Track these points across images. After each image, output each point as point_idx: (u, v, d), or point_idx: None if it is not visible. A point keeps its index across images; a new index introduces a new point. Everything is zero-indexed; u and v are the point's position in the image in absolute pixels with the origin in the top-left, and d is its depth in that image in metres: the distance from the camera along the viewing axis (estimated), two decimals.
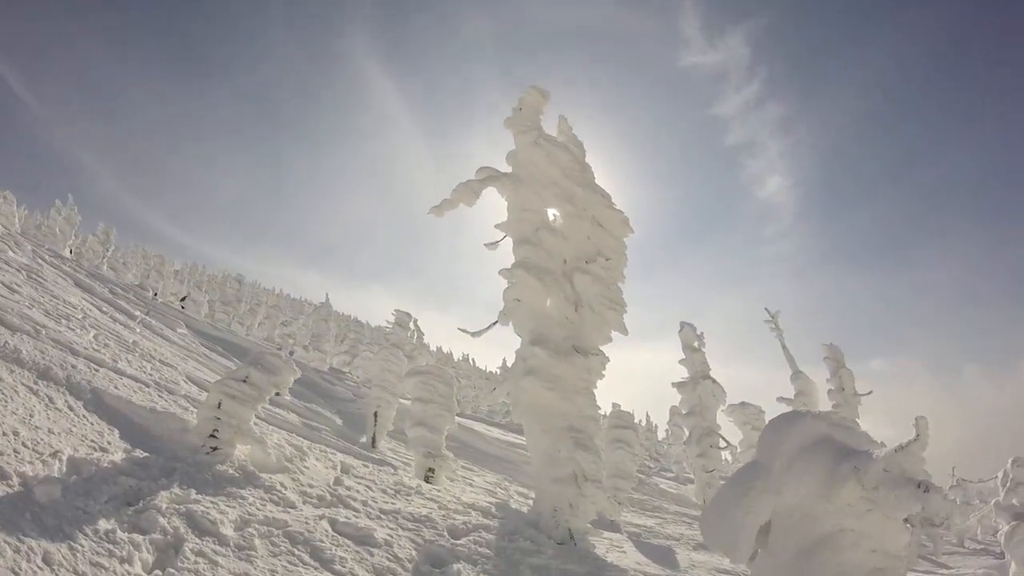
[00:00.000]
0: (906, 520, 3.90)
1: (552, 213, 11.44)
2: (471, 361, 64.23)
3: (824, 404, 21.91)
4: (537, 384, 9.72)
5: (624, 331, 11.03)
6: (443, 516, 7.61)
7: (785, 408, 19.88)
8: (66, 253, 28.54)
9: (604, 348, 10.87)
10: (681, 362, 21.37)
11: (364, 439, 14.40)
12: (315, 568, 5.84)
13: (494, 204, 11.39)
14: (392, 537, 6.73)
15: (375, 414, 15.05)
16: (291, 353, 29.22)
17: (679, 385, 20.89)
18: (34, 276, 16.00)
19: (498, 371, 53.66)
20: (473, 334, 10.85)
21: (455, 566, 6.44)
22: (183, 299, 32.60)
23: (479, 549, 6.92)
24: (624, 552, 10.16)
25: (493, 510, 8.33)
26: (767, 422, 4.82)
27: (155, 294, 25.17)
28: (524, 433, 10.45)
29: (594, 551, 9.04)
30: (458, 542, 7.01)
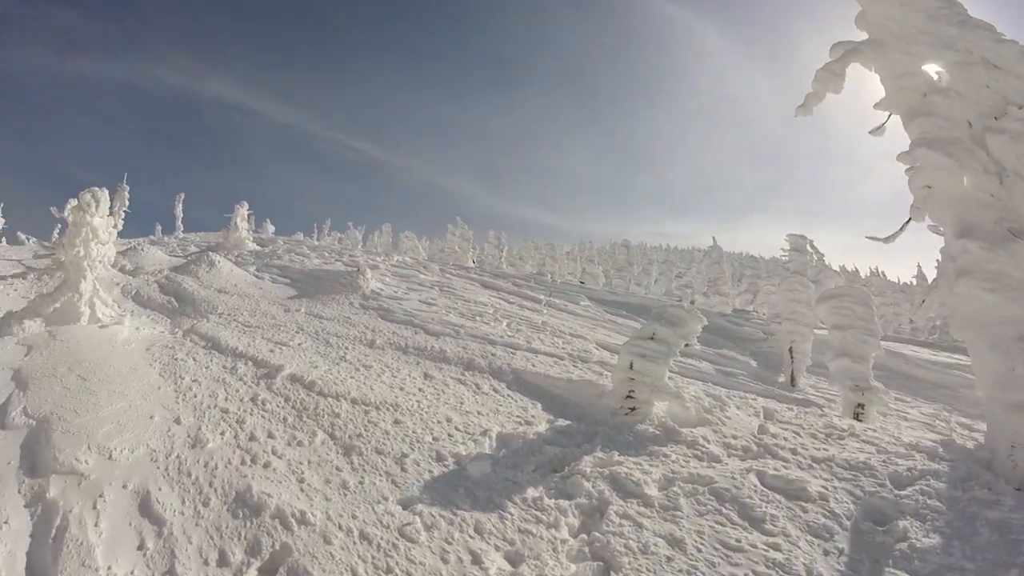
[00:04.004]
0: None
1: (934, 70, 9.11)
2: (881, 275, 55.64)
3: None
4: (974, 286, 7.65)
5: None
6: (883, 462, 6.31)
7: None
8: (469, 263, 33.02)
9: None
10: None
11: (782, 379, 13.34)
12: (744, 528, 5.27)
13: (855, 84, 9.49)
14: (827, 489, 5.78)
15: (790, 350, 13.83)
16: (692, 302, 29.15)
17: None
18: (446, 289, 18.81)
19: (913, 281, 46.01)
20: (884, 240, 9.14)
21: (900, 523, 5.18)
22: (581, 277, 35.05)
23: (927, 501, 5.51)
24: None
25: (940, 451, 6.67)
26: None
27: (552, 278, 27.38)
28: (966, 350, 8.33)
29: None
30: (902, 493, 5.68)
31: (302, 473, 6.27)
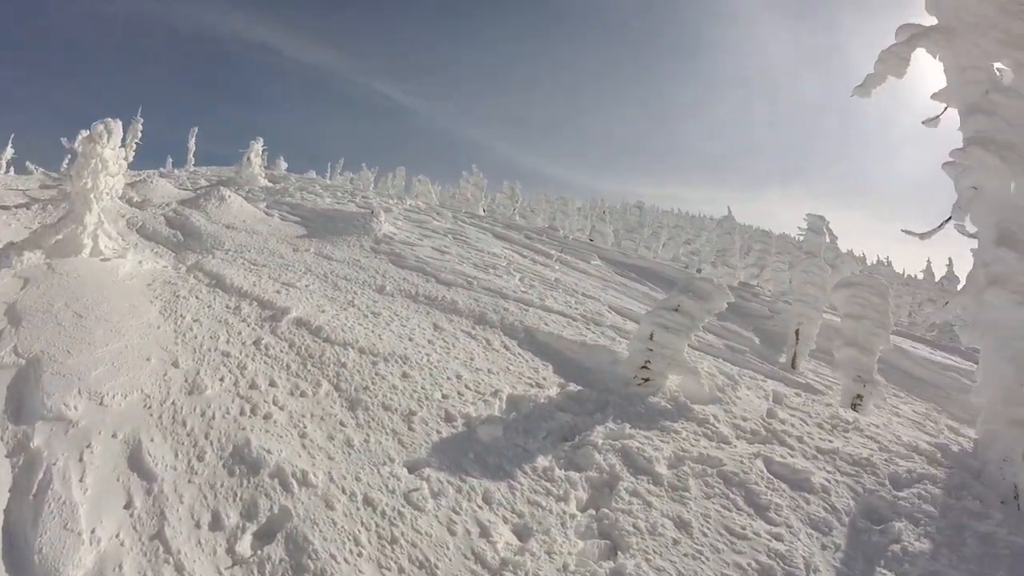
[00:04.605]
0: None
1: (998, 68, 8.63)
2: (888, 264, 54.79)
3: None
4: (1004, 297, 7.44)
5: None
6: (885, 460, 6.24)
7: None
8: (481, 212, 32.71)
9: None
10: None
11: (783, 359, 13.19)
12: (748, 515, 5.19)
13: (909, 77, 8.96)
14: (830, 483, 5.74)
15: (796, 332, 13.68)
16: (698, 271, 28.87)
17: None
18: (459, 237, 18.54)
19: (920, 275, 45.45)
20: (921, 236, 8.83)
21: (896, 525, 5.20)
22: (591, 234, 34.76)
23: (922, 505, 5.52)
24: None
25: (938, 455, 6.58)
26: None
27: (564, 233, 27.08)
28: (963, 353, 8.05)
29: None
30: (900, 494, 5.67)
31: (304, 427, 6.08)
